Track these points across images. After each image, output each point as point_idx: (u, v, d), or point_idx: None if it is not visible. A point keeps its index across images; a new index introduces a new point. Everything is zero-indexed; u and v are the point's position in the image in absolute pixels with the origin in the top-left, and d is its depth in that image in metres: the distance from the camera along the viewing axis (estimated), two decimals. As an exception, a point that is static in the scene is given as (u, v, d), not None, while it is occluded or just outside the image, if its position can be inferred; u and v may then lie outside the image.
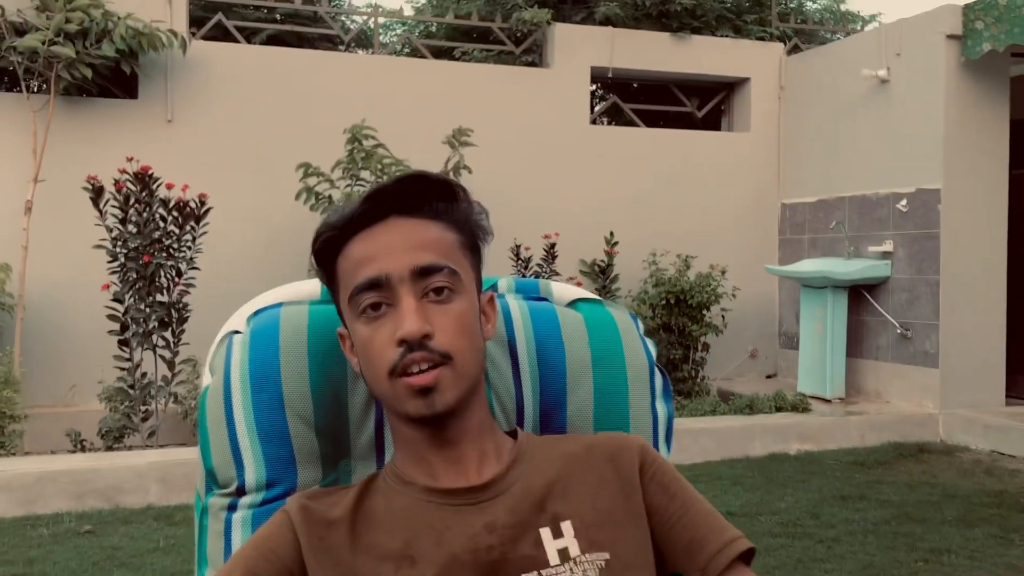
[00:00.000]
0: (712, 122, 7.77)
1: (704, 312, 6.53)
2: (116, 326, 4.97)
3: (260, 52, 6.47)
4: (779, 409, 5.89)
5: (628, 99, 7.51)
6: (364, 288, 1.03)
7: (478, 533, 1.02)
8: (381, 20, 8.06)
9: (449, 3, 8.12)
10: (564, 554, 1.04)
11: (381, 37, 8.28)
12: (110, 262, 4.93)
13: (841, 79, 6.73)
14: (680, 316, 6.48)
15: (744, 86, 7.38)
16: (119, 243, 4.91)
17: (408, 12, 8.99)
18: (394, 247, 1.04)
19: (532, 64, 7.09)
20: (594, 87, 8.01)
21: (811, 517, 4.01)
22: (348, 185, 5.48)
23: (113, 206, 4.94)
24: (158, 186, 4.99)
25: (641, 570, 1.05)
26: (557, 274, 5.94)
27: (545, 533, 1.04)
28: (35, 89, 5.54)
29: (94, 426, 4.92)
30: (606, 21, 7.13)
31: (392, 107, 6.15)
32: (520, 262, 5.88)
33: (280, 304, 1.20)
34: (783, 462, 5.16)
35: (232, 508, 1.11)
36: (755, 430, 5.48)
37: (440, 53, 7.49)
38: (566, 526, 1.06)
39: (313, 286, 1.25)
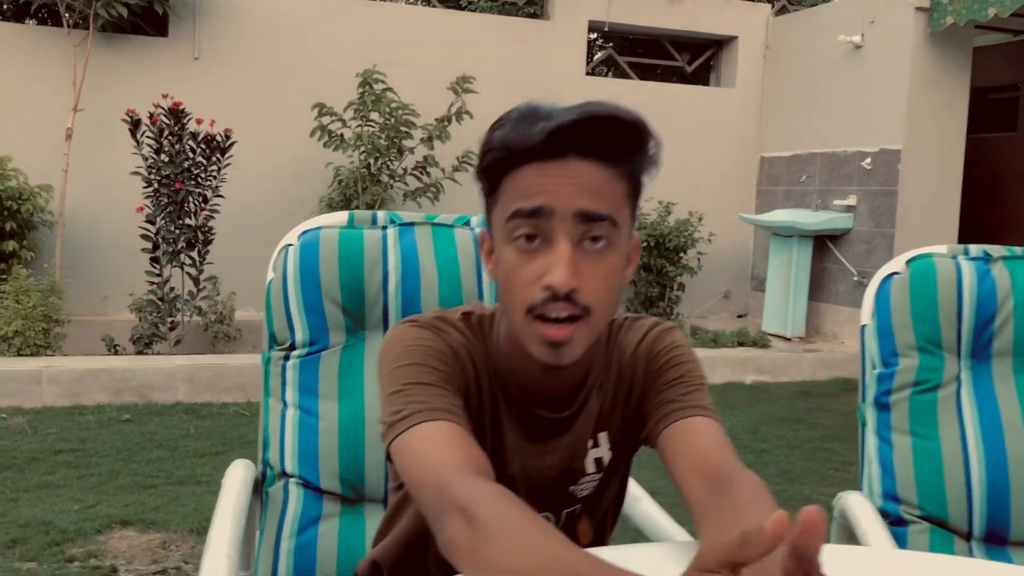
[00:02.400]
0: (702, 78, 8.25)
1: (681, 255, 7.10)
2: (148, 245, 5.55)
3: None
4: (741, 344, 6.50)
5: (623, 53, 8.00)
6: (525, 215, 1.03)
7: (546, 453, 1.18)
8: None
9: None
10: (599, 463, 1.21)
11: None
12: (145, 187, 5.49)
13: (820, 42, 7.21)
14: (658, 258, 7.05)
15: (732, 44, 7.86)
16: (153, 171, 5.47)
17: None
18: (567, 184, 1.02)
19: (534, 16, 7.57)
20: (594, 37, 8.49)
21: (749, 433, 4.65)
22: (359, 125, 6.02)
23: (149, 137, 5.49)
24: (189, 120, 5.53)
25: (628, 460, 1.26)
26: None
27: (590, 444, 1.21)
28: (75, 25, 6.04)
29: (125, 333, 5.52)
30: (605, -23, 7.57)
31: (402, 53, 6.65)
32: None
33: (320, 227, 1.77)
34: (738, 390, 5.79)
35: (286, 358, 1.70)
36: (716, 361, 6.09)
37: (449, 2, 7.97)
38: (603, 437, 1.21)
39: (342, 217, 1.81)
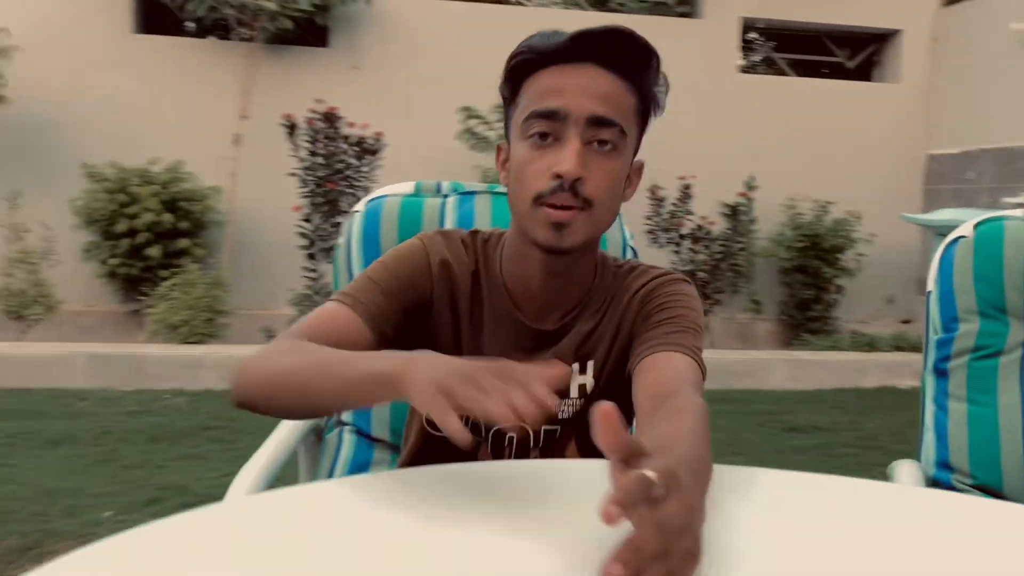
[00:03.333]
0: (866, 73, 7.94)
1: (838, 256, 6.86)
2: (304, 242, 5.89)
3: (438, 5, 7.19)
4: (899, 348, 6.21)
5: (781, 50, 7.81)
6: (542, 115, 1.15)
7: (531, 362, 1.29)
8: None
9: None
10: (582, 389, 1.29)
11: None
12: (301, 188, 5.83)
13: (991, 32, 6.80)
14: (814, 259, 6.84)
15: (896, 37, 7.53)
16: (308, 171, 5.80)
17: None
18: (581, 90, 1.14)
19: (685, 15, 7.51)
20: (753, 36, 8.34)
21: (890, 435, 4.44)
22: (489, 129, 6.16)
23: (305, 140, 5.82)
24: (342, 124, 5.83)
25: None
26: (691, 213, 6.42)
27: (576, 368, 1.28)
28: (243, 38, 6.48)
29: (285, 326, 5.86)
30: (760, -26, 7.44)
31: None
32: (655, 201, 6.40)
33: (384, 196, 1.87)
34: (890, 394, 5.53)
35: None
36: (868, 365, 5.84)
37: (599, 5, 8.01)
38: (590, 364, 1.29)
39: (407, 187, 1.90)
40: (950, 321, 1.63)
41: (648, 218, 6.43)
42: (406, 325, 1.25)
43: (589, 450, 1.29)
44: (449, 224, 1.81)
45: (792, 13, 7.31)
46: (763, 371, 5.64)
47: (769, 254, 6.91)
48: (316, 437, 1.76)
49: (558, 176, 1.13)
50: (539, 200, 1.16)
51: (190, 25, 7.13)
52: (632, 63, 1.19)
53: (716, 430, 3.71)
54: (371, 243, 1.79)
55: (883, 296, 7.54)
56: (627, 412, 1.27)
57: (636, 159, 1.27)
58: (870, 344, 6.25)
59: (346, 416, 1.74)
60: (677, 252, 6.48)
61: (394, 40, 6.76)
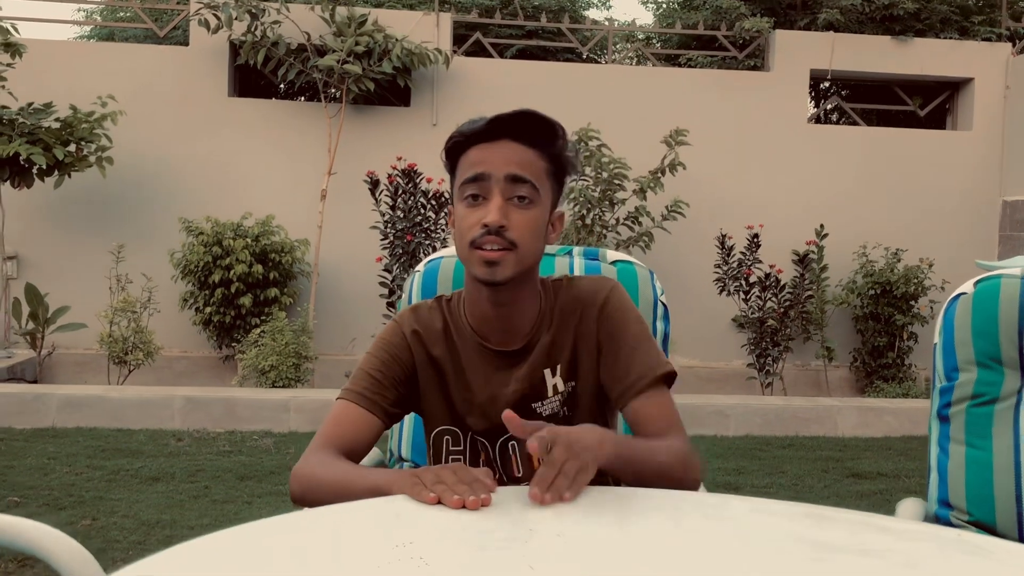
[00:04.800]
0: (938, 121, 7.98)
1: (911, 303, 6.88)
2: (385, 291, 6.19)
3: (509, 65, 7.53)
4: (972, 396, 6.18)
5: (850, 99, 7.90)
6: (471, 180, 1.46)
7: (510, 381, 1.57)
8: (615, 33, 8.92)
9: (677, 15, 8.83)
10: (555, 388, 1.59)
11: (616, 47, 9.13)
12: (382, 240, 6.15)
13: (1064, 79, 6.81)
14: (886, 306, 6.87)
15: (968, 86, 7.56)
16: (389, 225, 6.12)
17: (644, 20, 9.80)
18: (499, 158, 1.46)
19: (754, 68, 7.68)
20: (824, 86, 8.45)
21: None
22: (573, 180, 6.40)
23: (386, 195, 6.15)
24: (420, 180, 6.15)
25: (592, 395, 1.58)
26: (759, 262, 6.54)
27: (547, 373, 1.58)
28: (331, 99, 6.88)
29: (365, 370, 6.15)
30: (828, 26, 7.58)
31: (619, 111, 7.00)
32: (724, 250, 6.54)
33: (441, 257, 2.10)
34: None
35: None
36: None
37: (668, 60, 8.25)
38: (558, 368, 1.58)
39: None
40: (951, 371, 1.78)
41: (717, 266, 6.57)
42: (403, 393, 1.60)
43: None
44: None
45: (861, 63, 7.42)
46: (832, 418, 5.71)
47: (841, 301, 6.97)
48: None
49: (485, 225, 1.44)
50: (474, 245, 1.46)
51: (282, 88, 7.59)
52: (539, 136, 1.50)
53: (779, 475, 3.91)
54: (429, 298, 2.03)
55: (960, 343, 7.48)
56: (599, 406, 1.63)
57: (557, 210, 1.58)
58: (943, 392, 6.23)
59: (405, 452, 1.97)
60: (746, 300, 6.60)
61: (470, 98, 7.08)
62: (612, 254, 2.18)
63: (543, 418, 1.56)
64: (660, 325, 2.07)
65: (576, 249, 2.16)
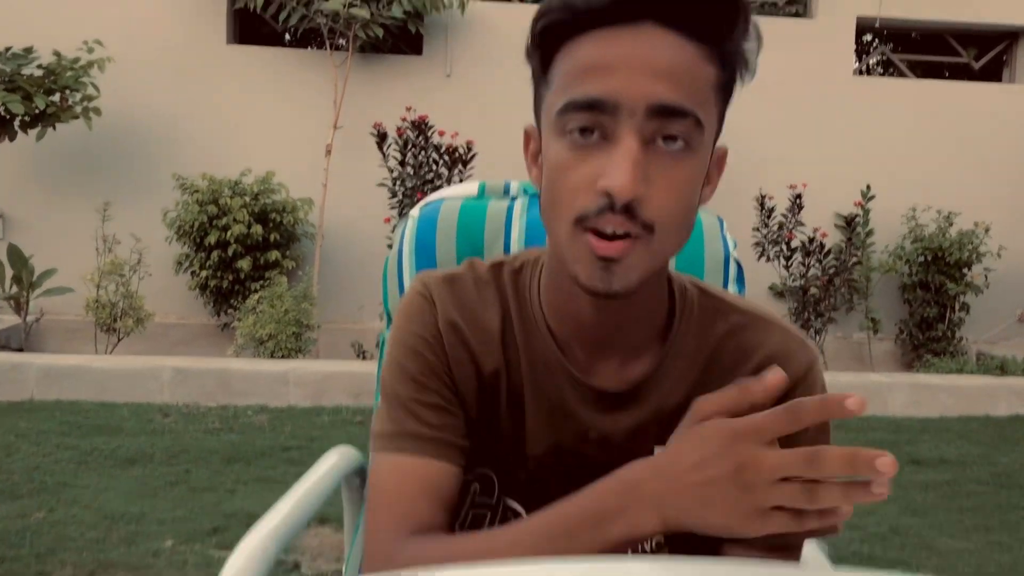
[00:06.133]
0: (994, 73, 7.38)
1: (964, 271, 6.34)
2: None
3: (531, 10, 6.95)
4: (1034, 372, 5.67)
5: (899, 50, 7.31)
6: (581, 106, 0.82)
7: (591, 440, 0.96)
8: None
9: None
10: None
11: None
12: (391, 198, 5.65)
13: None
14: (937, 274, 6.33)
15: (1029, 34, 6.97)
16: (398, 182, 5.62)
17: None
18: (638, 65, 0.81)
19: (796, 15, 7.10)
20: (867, 38, 7.86)
21: (1029, 472, 3.98)
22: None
23: (394, 150, 5.64)
24: (432, 133, 5.63)
25: None
26: (802, 224, 6.01)
27: (658, 451, 0.89)
28: (336, 47, 6.36)
29: (375, 340, 5.69)
30: (877, -30, 6.98)
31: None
32: (764, 212, 6.01)
33: (443, 199, 1.61)
34: (1025, 424, 5.02)
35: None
36: (1000, 391, 5.32)
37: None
38: None
39: (472, 188, 1.65)
40: None
41: (756, 229, 6.04)
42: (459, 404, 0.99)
43: None
44: (517, 228, 1.55)
45: (912, 11, 6.82)
46: (882, 395, 5.19)
47: (888, 269, 6.43)
48: (360, 480, 1.51)
49: (607, 194, 0.80)
50: (581, 223, 0.83)
51: (285, 35, 7.08)
52: (711, 17, 0.82)
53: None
54: (425, 254, 1.54)
55: (1015, 314, 6.95)
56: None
57: (719, 147, 0.91)
58: (1001, 367, 5.71)
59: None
60: (787, 267, 6.07)
61: (488, 47, 6.55)
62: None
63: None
64: (733, 289, 1.57)
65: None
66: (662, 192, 0.82)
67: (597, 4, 0.82)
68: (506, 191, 1.62)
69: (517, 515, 1.01)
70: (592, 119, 0.81)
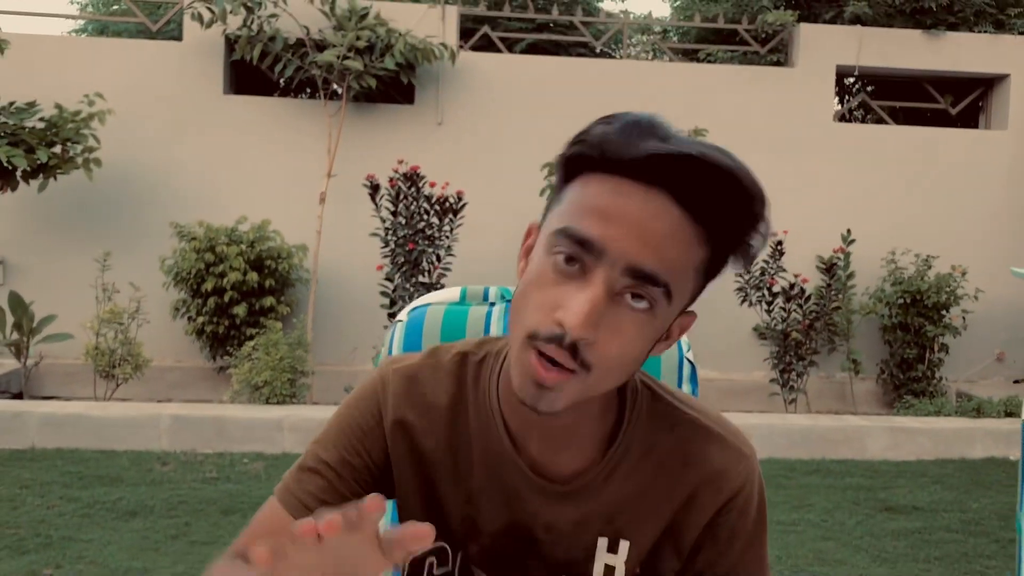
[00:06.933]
0: (971, 119, 7.59)
1: (943, 312, 6.51)
2: (387, 301, 5.86)
3: (519, 60, 7.16)
4: (1009, 414, 5.82)
5: (878, 96, 7.52)
6: (573, 238, 0.88)
7: (539, 525, 1.04)
8: (630, 27, 8.56)
9: (697, 7, 8.45)
10: (609, 572, 1.05)
11: (631, 40, 8.76)
12: (383, 247, 5.81)
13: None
14: (916, 316, 6.50)
15: (1003, 82, 7.17)
16: (390, 232, 5.78)
17: (660, 13, 9.43)
18: (635, 225, 0.87)
19: (777, 63, 7.30)
20: (849, 82, 8.06)
21: (998, 519, 4.12)
22: (587, 183, 6.04)
23: (387, 200, 5.81)
24: (424, 184, 5.81)
25: None
26: (783, 270, 6.18)
27: (601, 544, 1.04)
28: (331, 96, 6.54)
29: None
30: (855, 20, 7.19)
31: (635, 108, 6.60)
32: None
33: (428, 304, 1.77)
34: (999, 466, 5.17)
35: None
36: (976, 433, 5.48)
37: (686, 55, 7.87)
38: (624, 545, 1.05)
39: (454, 293, 1.80)
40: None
41: (738, 275, 6.21)
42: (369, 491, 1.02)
43: None
44: (495, 333, 1.69)
45: (890, 59, 7.03)
46: (860, 439, 5.35)
47: (868, 311, 6.60)
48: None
49: (560, 324, 0.87)
50: (532, 339, 0.89)
51: (280, 82, 7.25)
52: (720, 208, 0.88)
53: (807, 509, 3.51)
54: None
55: (993, 354, 7.13)
56: None
57: (689, 310, 0.97)
58: (977, 409, 5.87)
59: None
60: (769, 311, 6.24)
61: (477, 96, 6.74)
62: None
63: None
64: (687, 388, 1.71)
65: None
66: (610, 340, 0.88)
67: (626, 156, 0.88)
68: (485, 297, 1.77)
69: None
70: (578, 252, 0.88)
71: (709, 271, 0.94)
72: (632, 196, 0.88)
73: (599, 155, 0.90)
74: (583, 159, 0.92)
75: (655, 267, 0.87)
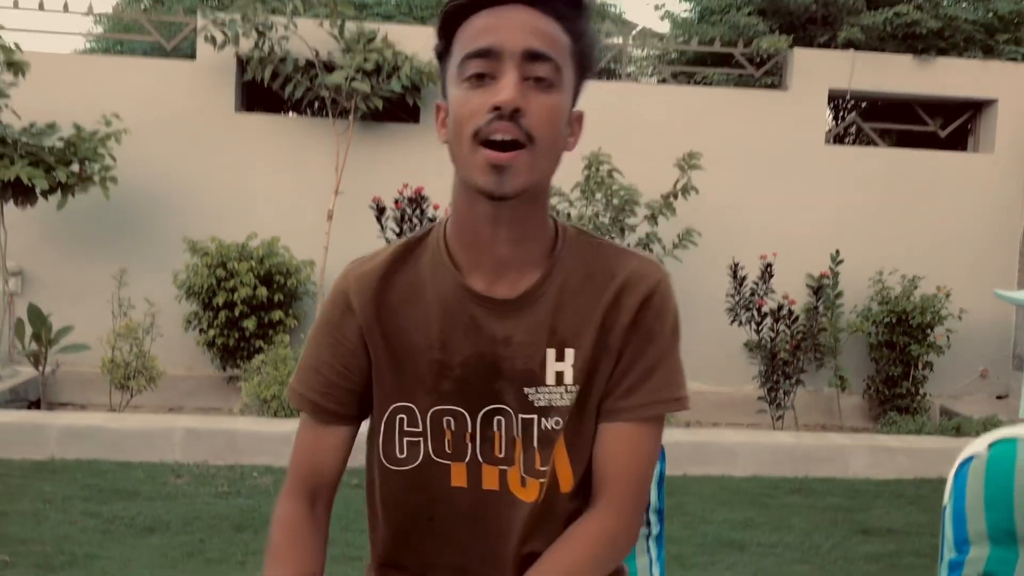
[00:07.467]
0: (959, 142, 7.80)
1: (927, 332, 6.73)
2: (390, 317, 6.10)
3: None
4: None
5: (871, 118, 7.74)
6: (476, 55, 1.13)
7: (499, 342, 1.23)
8: (628, 48, 8.77)
9: (694, 28, 8.66)
10: (559, 377, 1.25)
11: (630, 57, 8.96)
12: (387, 266, 6.05)
13: (1091, 105, 6.62)
14: (901, 335, 6.73)
15: (991, 107, 7.38)
16: (395, 251, 6.01)
17: (660, 27, 9.63)
18: (514, 26, 1.13)
19: (772, 86, 7.52)
20: (840, 104, 8.27)
21: (966, 543, 4.36)
22: (584, 205, 6.28)
23: (392, 220, 6.05)
24: (427, 206, 6.04)
25: (596, 399, 1.27)
26: (772, 291, 6.40)
27: (550, 354, 1.24)
28: (339, 115, 6.77)
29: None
30: (848, 44, 7.40)
31: (631, 130, 6.84)
32: (736, 280, 6.41)
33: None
34: (974, 487, 5.39)
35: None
36: (956, 452, 5.55)
37: (682, 76, 8.08)
38: (569, 353, 1.24)
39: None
40: (962, 543, 1.66)
41: (728, 295, 6.45)
42: (366, 381, 1.30)
43: (580, 453, 1.29)
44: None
45: (882, 83, 7.24)
46: (843, 457, 5.59)
47: (855, 329, 6.83)
48: None
49: (496, 108, 1.10)
50: (477, 137, 1.12)
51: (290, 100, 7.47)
52: (562, 4, 1.17)
53: (787, 530, 3.78)
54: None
55: (977, 371, 7.36)
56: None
57: (576, 108, 1.23)
58: (957, 428, 6.11)
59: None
60: (758, 331, 6.47)
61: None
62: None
63: (536, 409, 1.26)
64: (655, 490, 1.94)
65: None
66: (537, 111, 1.12)
67: None
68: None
69: (457, 422, 1.27)
70: (483, 65, 1.12)
71: (577, 58, 1.19)
72: (502, 13, 1.14)
73: (467, 2, 1.16)
74: (457, 11, 1.17)
75: (543, 46, 1.13)
